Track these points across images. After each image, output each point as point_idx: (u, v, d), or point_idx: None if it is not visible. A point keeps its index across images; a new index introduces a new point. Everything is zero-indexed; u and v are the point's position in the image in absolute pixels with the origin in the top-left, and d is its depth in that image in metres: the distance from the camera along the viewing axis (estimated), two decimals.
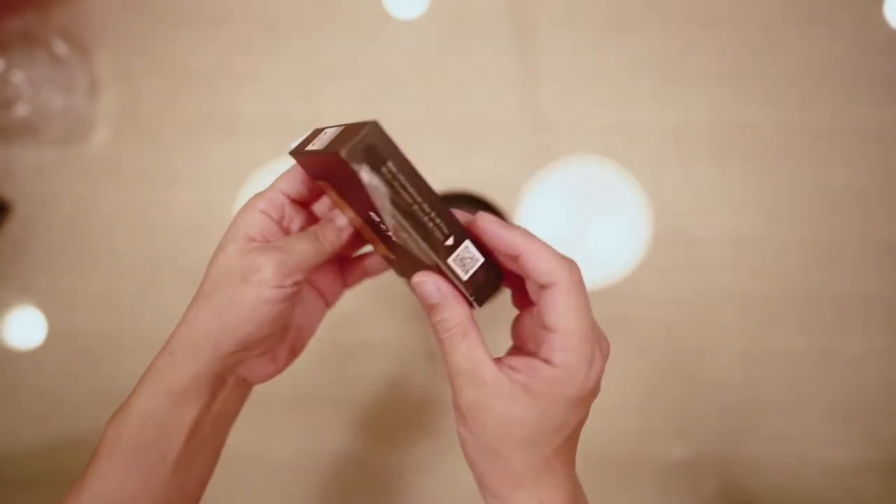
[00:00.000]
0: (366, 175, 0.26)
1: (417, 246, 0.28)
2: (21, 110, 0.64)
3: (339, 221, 0.33)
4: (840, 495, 0.64)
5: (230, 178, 0.69)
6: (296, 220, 0.33)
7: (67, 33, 0.69)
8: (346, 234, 0.33)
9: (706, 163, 0.68)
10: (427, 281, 0.29)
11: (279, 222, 0.33)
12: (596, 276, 0.67)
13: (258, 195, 0.33)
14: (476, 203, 0.62)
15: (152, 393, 0.32)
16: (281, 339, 0.35)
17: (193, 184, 0.68)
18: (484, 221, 0.28)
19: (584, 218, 0.67)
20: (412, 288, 0.30)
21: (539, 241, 0.28)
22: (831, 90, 0.69)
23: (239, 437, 0.66)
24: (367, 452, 0.66)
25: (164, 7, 0.71)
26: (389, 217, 0.27)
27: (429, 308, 0.29)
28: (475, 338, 0.28)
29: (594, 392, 0.28)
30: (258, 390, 0.69)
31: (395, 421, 0.66)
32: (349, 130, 0.28)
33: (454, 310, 0.28)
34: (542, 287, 0.27)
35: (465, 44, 0.70)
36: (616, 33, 0.70)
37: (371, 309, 0.67)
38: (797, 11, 0.70)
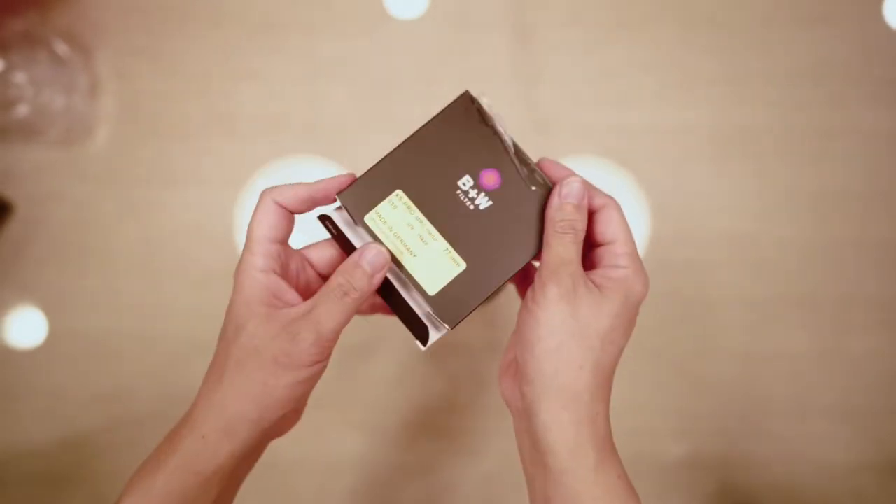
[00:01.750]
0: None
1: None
2: (22, 111, 0.65)
3: (365, 264, 0.31)
4: (840, 495, 0.64)
5: (230, 178, 0.69)
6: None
7: (68, 34, 0.70)
8: (379, 278, 0.31)
9: (706, 163, 0.68)
10: (581, 182, 0.32)
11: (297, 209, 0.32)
12: None
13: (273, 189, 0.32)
14: None
15: (179, 474, 0.30)
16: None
17: (194, 184, 0.68)
18: (547, 161, 0.35)
19: None
20: (560, 184, 0.32)
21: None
22: (831, 90, 0.69)
23: None
24: (367, 453, 0.66)
25: (165, 7, 0.71)
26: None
27: (565, 204, 0.32)
28: (581, 247, 0.32)
29: (643, 300, 0.32)
30: None
31: (397, 421, 0.66)
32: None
33: (585, 219, 0.32)
34: (597, 211, 0.32)
35: (465, 44, 0.70)
36: (616, 33, 0.70)
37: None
38: (797, 11, 0.70)
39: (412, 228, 0.32)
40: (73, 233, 0.68)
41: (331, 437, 0.66)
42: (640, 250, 0.67)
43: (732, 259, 0.67)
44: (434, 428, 0.66)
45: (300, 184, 0.32)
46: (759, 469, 0.65)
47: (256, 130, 0.69)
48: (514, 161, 0.34)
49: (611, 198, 0.32)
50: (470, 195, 0.33)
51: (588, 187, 0.32)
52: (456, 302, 0.32)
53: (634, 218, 0.67)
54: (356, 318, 0.70)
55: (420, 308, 0.33)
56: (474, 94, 0.34)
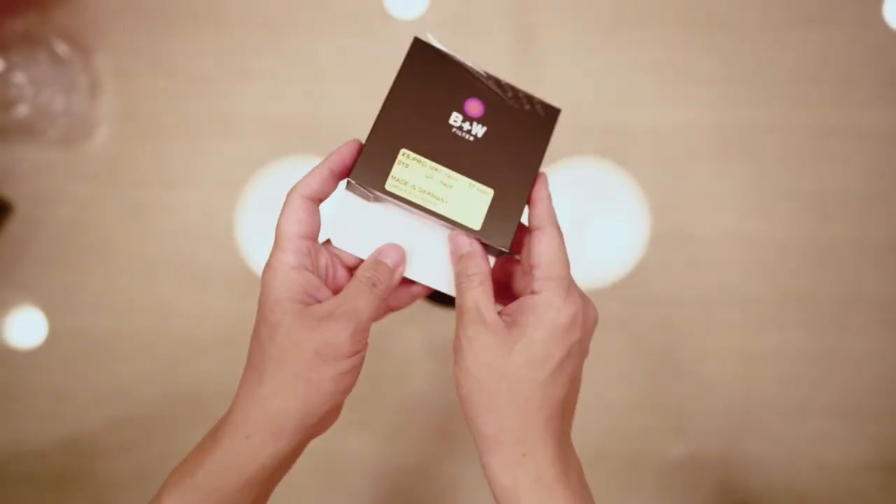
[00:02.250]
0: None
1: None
2: (22, 111, 0.65)
3: (388, 260, 0.32)
4: (839, 495, 0.64)
5: (230, 179, 0.69)
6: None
7: (68, 34, 0.70)
8: (401, 272, 0.33)
9: (706, 163, 0.68)
10: (462, 235, 0.33)
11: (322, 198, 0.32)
12: (596, 276, 0.67)
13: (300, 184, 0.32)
14: None
15: (221, 472, 0.30)
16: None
17: (194, 184, 0.68)
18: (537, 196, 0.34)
19: (585, 218, 0.67)
20: (449, 240, 0.33)
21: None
22: (831, 90, 0.69)
23: None
24: (368, 453, 0.66)
25: (165, 8, 0.71)
26: None
27: (459, 257, 0.33)
28: (489, 289, 0.31)
29: (572, 327, 0.30)
30: None
31: (397, 422, 0.66)
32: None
33: (479, 262, 0.32)
34: (531, 231, 0.32)
35: (466, 44, 0.70)
36: (616, 34, 0.70)
37: None
38: (797, 11, 0.70)
39: (431, 178, 0.33)
40: (73, 233, 0.68)
41: (331, 437, 0.66)
42: (640, 250, 0.67)
43: (732, 259, 0.67)
44: (434, 428, 0.66)
45: (314, 168, 0.32)
46: (758, 469, 0.65)
47: (256, 130, 0.69)
48: (486, 83, 0.36)
49: (545, 221, 0.32)
50: (465, 128, 0.34)
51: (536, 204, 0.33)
52: (501, 224, 0.33)
53: (634, 218, 0.67)
54: None
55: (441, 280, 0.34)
56: (423, 37, 0.35)
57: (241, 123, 0.69)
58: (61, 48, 0.67)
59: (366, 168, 0.32)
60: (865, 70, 0.69)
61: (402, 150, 0.33)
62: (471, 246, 0.33)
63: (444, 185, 0.33)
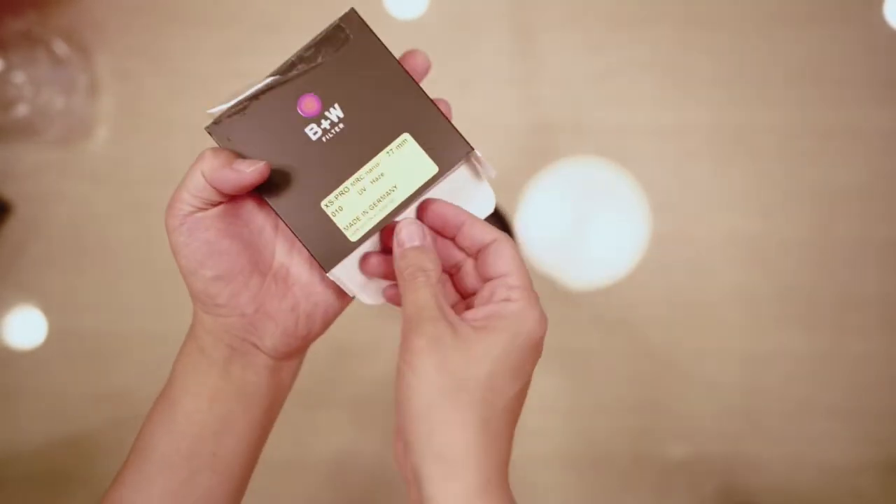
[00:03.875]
0: None
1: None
2: (21, 110, 0.65)
3: (413, 241, 0.28)
4: (840, 495, 0.64)
5: None
6: None
7: (68, 34, 0.70)
8: (430, 241, 0.29)
9: (706, 163, 0.68)
10: (415, 223, 0.29)
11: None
12: (596, 276, 0.67)
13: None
14: None
15: (178, 358, 0.32)
16: (273, 284, 0.31)
17: None
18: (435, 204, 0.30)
19: (584, 218, 0.67)
20: (395, 231, 0.29)
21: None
22: (831, 90, 0.68)
23: None
24: (368, 453, 0.66)
25: (165, 7, 0.71)
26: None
27: (406, 250, 0.28)
28: (441, 290, 0.28)
29: (541, 342, 0.28)
30: None
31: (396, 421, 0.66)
32: None
33: (434, 258, 0.28)
34: (486, 246, 0.28)
35: (465, 44, 0.70)
36: (616, 34, 0.70)
37: (371, 309, 0.67)
38: (797, 11, 0.70)
39: (365, 190, 0.30)
40: (73, 233, 0.68)
41: (331, 436, 0.66)
42: (640, 250, 0.67)
43: (733, 259, 0.67)
44: None
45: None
46: (759, 469, 0.65)
47: None
48: (283, 80, 0.31)
49: (501, 233, 0.29)
50: (326, 126, 0.30)
51: (470, 223, 0.29)
52: (444, 142, 0.30)
53: (634, 218, 0.67)
54: (355, 319, 0.69)
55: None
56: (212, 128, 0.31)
57: None
58: (61, 48, 0.67)
59: (325, 251, 0.29)
60: (865, 70, 0.69)
61: (322, 204, 0.30)
62: (424, 238, 0.29)
63: (377, 179, 0.30)
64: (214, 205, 0.29)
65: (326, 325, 0.33)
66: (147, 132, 0.70)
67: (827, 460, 0.65)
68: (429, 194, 0.30)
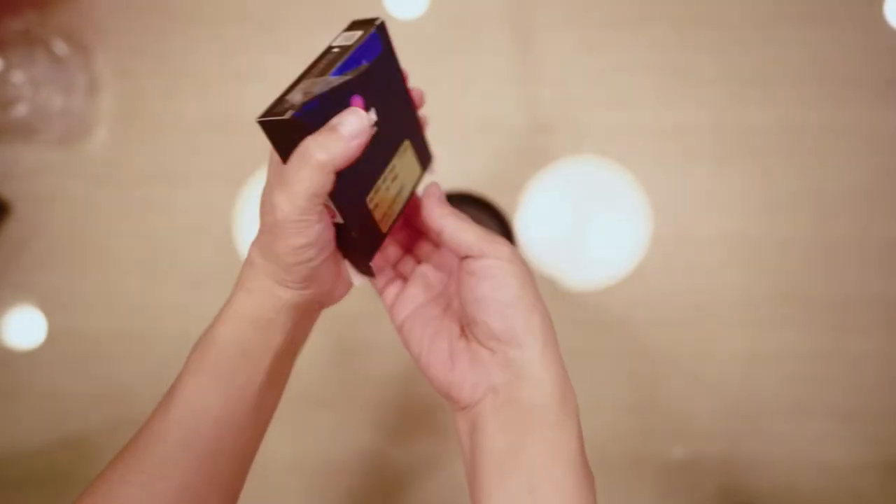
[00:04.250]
0: None
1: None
2: (21, 110, 0.64)
3: (344, 127, 0.29)
4: (840, 494, 0.64)
5: (230, 178, 0.69)
6: None
7: (67, 34, 0.69)
8: (356, 145, 0.29)
9: (706, 163, 0.68)
10: (433, 187, 0.35)
11: None
12: (596, 276, 0.67)
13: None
14: (476, 203, 0.62)
15: (237, 322, 0.33)
16: (334, 260, 0.34)
17: (193, 183, 0.68)
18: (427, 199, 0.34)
19: (584, 218, 0.67)
20: (425, 197, 0.34)
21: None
22: (831, 90, 0.68)
23: None
24: (372, 451, 0.66)
25: (164, 7, 0.71)
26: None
27: (439, 201, 0.34)
28: None
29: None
30: None
31: (401, 421, 0.66)
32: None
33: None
34: (439, 231, 0.34)
35: (465, 44, 0.70)
36: (616, 34, 0.70)
37: (375, 310, 0.67)
38: (797, 12, 0.70)
39: (388, 188, 0.34)
40: (72, 232, 0.68)
41: (333, 436, 0.66)
42: (641, 250, 0.67)
43: (733, 259, 0.67)
44: (434, 427, 0.66)
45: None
46: (759, 469, 0.65)
47: (255, 130, 0.69)
48: (331, 86, 0.30)
49: (444, 217, 0.34)
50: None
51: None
52: (423, 148, 0.36)
53: (634, 219, 0.67)
54: (359, 320, 0.69)
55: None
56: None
57: (240, 123, 0.69)
58: (60, 48, 0.67)
59: (368, 244, 0.33)
60: (866, 70, 0.69)
61: (367, 199, 0.32)
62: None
63: (395, 178, 0.34)
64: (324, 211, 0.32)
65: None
66: (146, 132, 0.70)
67: (827, 460, 0.65)
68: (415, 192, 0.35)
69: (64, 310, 0.68)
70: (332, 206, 0.31)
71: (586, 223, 0.67)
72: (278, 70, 0.70)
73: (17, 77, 0.64)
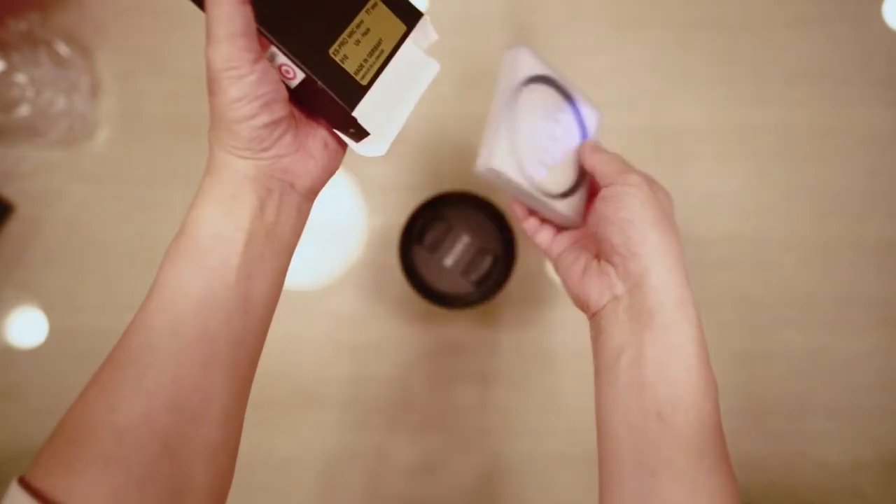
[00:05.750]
0: None
1: None
2: (23, 111, 0.65)
3: None
4: (838, 492, 0.65)
5: None
6: None
7: (69, 34, 0.70)
8: None
9: (705, 163, 0.68)
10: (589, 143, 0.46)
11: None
12: None
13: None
14: (476, 204, 0.62)
15: (201, 205, 0.34)
16: (302, 129, 0.34)
17: (194, 184, 0.68)
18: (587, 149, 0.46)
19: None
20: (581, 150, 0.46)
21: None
22: (830, 90, 0.69)
23: (244, 438, 0.66)
24: (371, 451, 0.66)
25: (166, 9, 0.71)
26: None
27: (592, 148, 0.47)
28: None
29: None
30: (257, 391, 0.69)
31: (400, 420, 0.66)
32: None
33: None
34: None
35: (465, 45, 0.70)
36: (615, 34, 0.70)
37: (374, 309, 0.67)
38: (796, 12, 0.70)
39: (359, 42, 0.34)
40: (74, 233, 0.69)
41: (333, 436, 0.66)
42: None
43: (732, 259, 0.67)
44: (437, 427, 0.66)
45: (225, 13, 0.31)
46: (757, 468, 0.65)
47: None
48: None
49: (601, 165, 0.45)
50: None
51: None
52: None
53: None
54: (358, 319, 0.70)
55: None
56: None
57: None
58: (62, 49, 0.67)
59: (344, 93, 0.33)
60: (864, 70, 0.69)
61: (330, 52, 0.33)
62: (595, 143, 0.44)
63: (366, 33, 0.34)
64: (258, 61, 0.31)
65: (341, 159, 0.37)
66: (148, 132, 0.70)
67: (825, 459, 0.65)
68: (403, 47, 0.36)
69: (65, 309, 0.68)
70: (289, 62, 0.32)
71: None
72: None
73: (20, 78, 0.64)
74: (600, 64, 0.70)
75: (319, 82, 0.32)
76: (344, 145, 0.36)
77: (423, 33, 0.38)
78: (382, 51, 0.35)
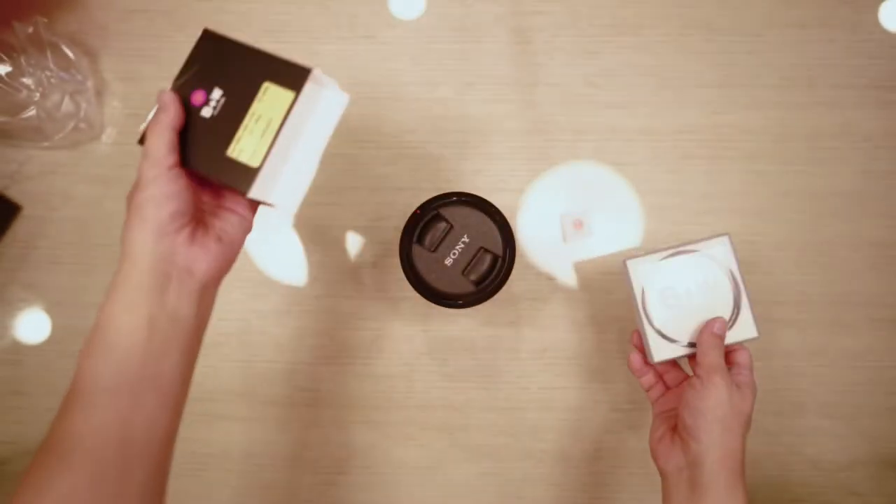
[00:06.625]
0: None
1: None
2: (30, 113, 0.66)
3: (162, 103, 0.41)
4: (832, 490, 0.65)
5: None
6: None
7: (75, 37, 0.71)
8: (170, 97, 0.41)
9: (702, 165, 0.69)
10: (717, 324, 0.52)
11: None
12: (594, 277, 0.68)
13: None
14: (476, 205, 0.63)
15: (108, 303, 0.40)
16: (202, 228, 0.41)
17: None
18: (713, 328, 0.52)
19: (582, 219, 0.68)
20: (706, 333, 0.52)
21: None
22: (825, 93, 0.69)
23: (242, 436, 0.67)
24: (369, 451, 0.67)
25: (171, 12, 0.72)
26: None
27: (713, 332, 0.51)
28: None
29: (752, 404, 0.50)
30: (260, 389, 0.70)
31: (399, 420, 0.67)
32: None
33: (720, 343, 0.51)
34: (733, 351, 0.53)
35: (465, 47, 0.71)
36: (613, 36, 0.71)
37: (373, 310, 0.68)
38: (791, 15, 0.70)
39: (252, 132, 0.41)
40: (80, 233, 0.69)
41: (331, 435, 0.67)
42: (639, 252, 0.68)
43: None
44: (435, 427, 0.67)
45: (159, 133, 0.40)
46: (753, 465, 0.65)
47: None
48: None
49: (742, 347, 0.52)
50: (213, 106, 0.41)
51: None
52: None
53: (631, 221, 0.68)
54: (356, 319, 0.70)
55: None
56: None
57: None
58: (68, 52, 0.68)
59: (240, 181, 0.40)
60: (860, 72, 0.69)
61: (227, 153, 0.40)
62: (723, 332, 0.51)
63: (257, 120, 0.40)
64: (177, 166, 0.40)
65: (242, 241, 0.44)
66: None
67: (820, 457, 0.65)
68: (294, 112, 0.40)
69: (70, 309, 0.69)
70: (198, 172, 0.40)
71: (584, 223, 0.68)
72: None
73: (27, 81, 0.65)
74: (598, 66, 0.70)
75: (221, 181, 0.40)
76: (240, 238, 0.43)
77: (318, 83, 0.42)
78: (271, 127, 0.40)
